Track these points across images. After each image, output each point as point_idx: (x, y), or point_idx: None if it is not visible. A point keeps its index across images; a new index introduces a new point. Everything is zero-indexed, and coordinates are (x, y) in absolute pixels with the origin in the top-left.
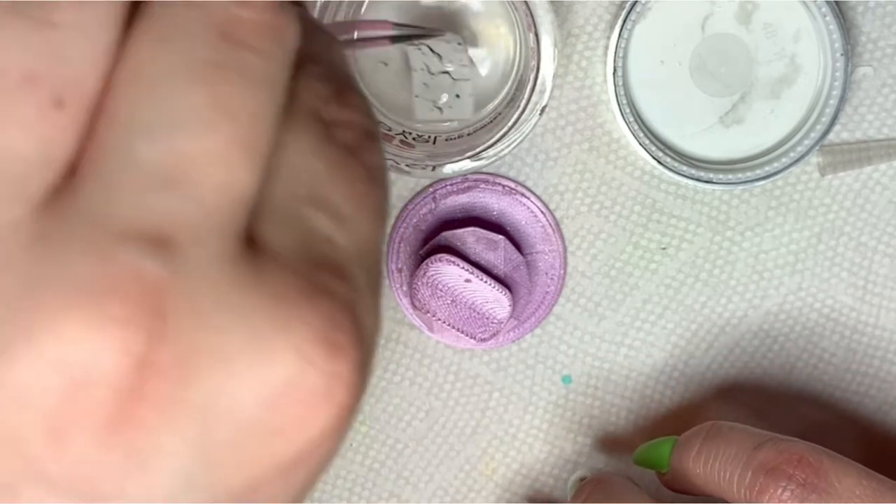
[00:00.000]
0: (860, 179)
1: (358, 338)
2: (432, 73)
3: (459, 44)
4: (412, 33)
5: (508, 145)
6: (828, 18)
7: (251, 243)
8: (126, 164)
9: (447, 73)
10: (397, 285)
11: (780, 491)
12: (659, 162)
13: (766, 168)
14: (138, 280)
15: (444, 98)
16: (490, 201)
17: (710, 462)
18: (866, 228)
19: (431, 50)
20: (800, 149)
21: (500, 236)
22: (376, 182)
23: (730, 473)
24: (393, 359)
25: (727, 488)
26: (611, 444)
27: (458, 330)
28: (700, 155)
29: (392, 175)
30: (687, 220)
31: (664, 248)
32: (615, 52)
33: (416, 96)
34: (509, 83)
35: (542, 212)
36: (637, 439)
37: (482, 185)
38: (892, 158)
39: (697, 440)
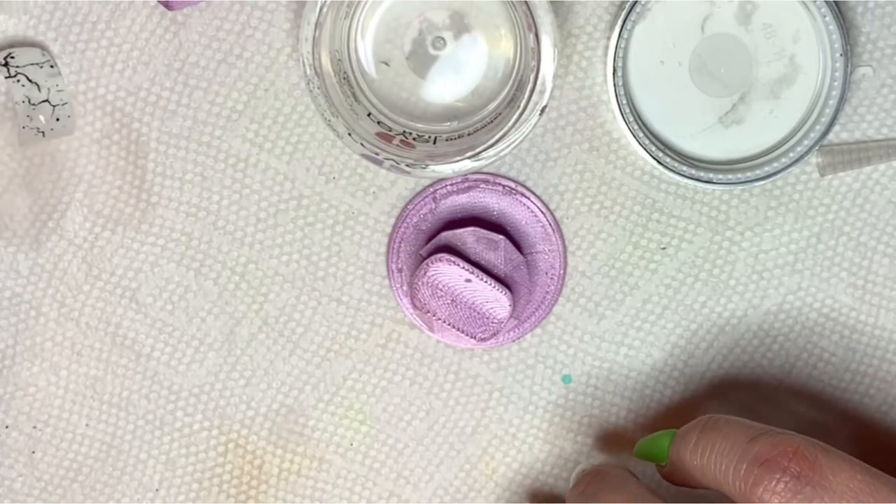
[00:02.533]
0: (860, 179)
1: None
2: (34, 105)
3: (52, 66)
4: None
5: (508, 145)
6: (827, 19)
7: None
8: None
9: (46, 101)
10: (397, 285)
11: (774, 483)
12: (659, 162)
13: (766, 168)
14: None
15: (46, 122)
16: (490, 201)
17: (707, 454)
18: (866, 228)
19: (29, 80)
20: (799, 149)
21: (500, 236)
22: None
23: (725, 465)
24: (393, 359)
25: (723, 480)
26: (611, 440)
27: (458, 330)
28: (700, 155)
29: (392, 175)
30: (687, 220)
31: (664, 248)
32: (615, 52)
33: (24, 127)
34: (509, 83)
35: (542, 212)
36: (637, 438)
37: (482, 185)
38: (892, 158)
39: (694, 433)
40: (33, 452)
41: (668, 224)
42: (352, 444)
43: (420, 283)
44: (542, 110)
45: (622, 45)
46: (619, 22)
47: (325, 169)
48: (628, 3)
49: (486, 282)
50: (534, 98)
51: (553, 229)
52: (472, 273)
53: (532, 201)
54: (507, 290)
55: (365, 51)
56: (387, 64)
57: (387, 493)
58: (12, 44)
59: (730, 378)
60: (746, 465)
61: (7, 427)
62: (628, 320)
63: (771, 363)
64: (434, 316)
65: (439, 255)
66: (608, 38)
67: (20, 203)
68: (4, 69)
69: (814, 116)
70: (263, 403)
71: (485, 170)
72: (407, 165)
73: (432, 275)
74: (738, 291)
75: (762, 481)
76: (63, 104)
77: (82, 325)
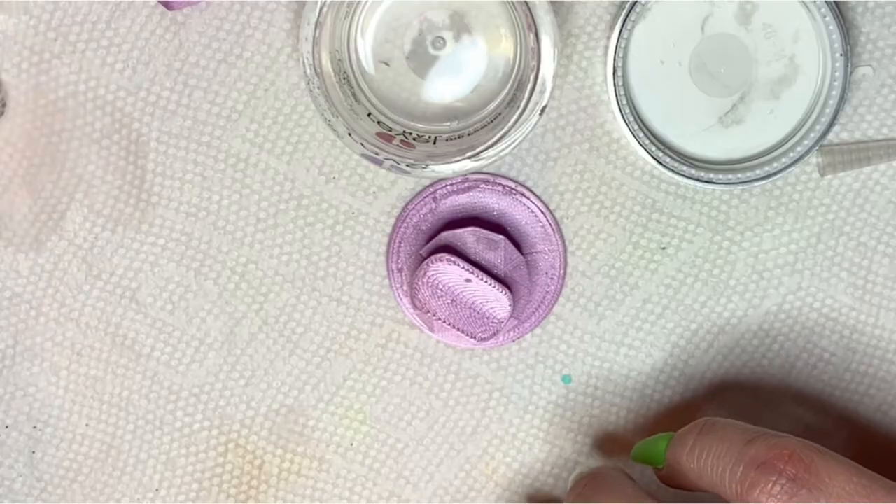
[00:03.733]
0: (860, 179)
1: None
2: None
3: None
4: None
5: (508, 145)
6: (827, 19)
7: None
8: None
9: None
10: (397, 285)
11: (770, 485)
12: (659, 162)
13: (766, 168)
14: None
15: None
16: (490, 201)
17: (704, 457)
18: (866, 228)
19: None
20: (799, 149)
21: (501, 236)
22: None
23: (722, 468)
24: (393, 359)
25: (720, 483)
26: (610, 443)
27: (458, 329)
28: (700, 155)
29: (392, 175)
30: (687, 220)
31: (664, 248)
32: (615, 52)
33: None
34: (509, 83)
35: (542, 212)
36: (636, 438)
37: (482, 185)
38: (892, 158)
39: (691, 436)
40: (33, 452)
41: (668, 224)
42: (352, 444)
43: (420, 283)
44: (542, 110)
45: (622, 45)
46: (619, 22)
47: (325, 169)
48: (628, 3)
49: (486, 282)
50: (534, 98)
51: (553, 229)
52: (472, 273)
53: (532, 201)
54: (507, 290)
55: (365, 51)
56: (387, 64)
57: (387, 493)
58: None
59: (730, 378)
60: (743, 467)
61: (7, 427)
62: (628, 320)
63: (771, 363)
64: (434, 316)
65: (439, 255)
66: (608, 38)
67: (20, 203)
68: None
69: (814, 116)
70: (263, 403)
71: (485, 170)
72: (407, 165)
73: (432, 275)
74: (738, 291)
75: (758, 484)
76: None
77: (82, 325)
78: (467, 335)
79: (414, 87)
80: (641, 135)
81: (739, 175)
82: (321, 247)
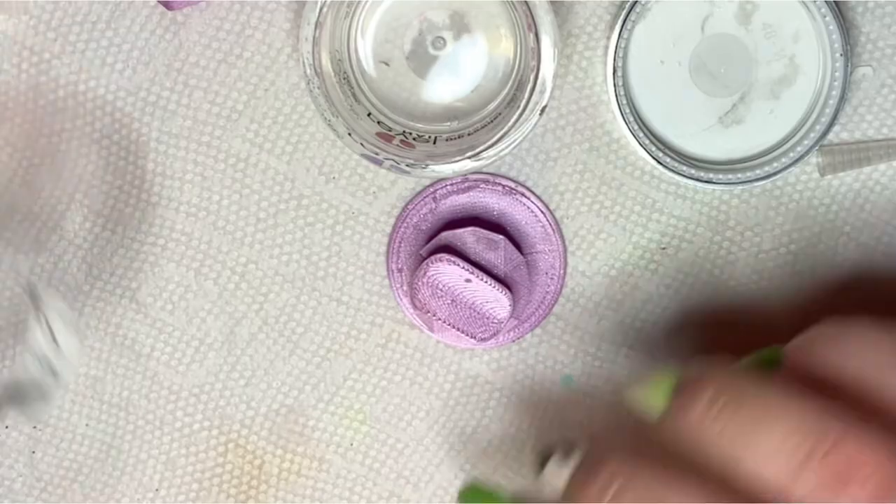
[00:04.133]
0: (860, 179)
1: None
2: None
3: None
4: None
5: (508, 145)
6: (827, 19)
7: None
8: None
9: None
10: (397, 285)
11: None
12: (659, 162)
13: (766, 168)
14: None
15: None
16: (490, 201)
17: (742, 424)
18: (866, 228)
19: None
20: (799, 149)
21: (500, 236)
22: None
23: (776, 447)
24: (393, 359)
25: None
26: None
27: (458, 329)
28: (700, 155)
29: (392, 175)
30: (687, 220)
31: (664, 248)
32: (615, 52)
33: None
34: (509, 83)
35: (542, 212)
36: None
37: (482, 185)
38: (892, 158)
39: (712, 386)
40: (33, 452)
41: (668, 224)
42: (352, 444)
43: (420, 283)
44: (542, 110)
45: (622, 45)
46: (619, 22)
47: (325, 169)
48: (628, 3)
49: (486, 282)
50: (534, 98)
51: (553, 229)
52: (472, 273)
53: (532, 201)
54: (507, 290)
55: (365, 51)
56: (387, 64)
57: (387, 493)
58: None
59: None
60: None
61: (7, 427)
62: (628, 320)
63: None
64: (434, 316)
65: (439, 255)
66: (608, 38)
67: (20, 203)
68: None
69: (814, 116)
70: (263, 403)
71: (485, 170)
72: (407, 165)
73: (432, 275)
74: (738, 291)
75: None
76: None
77: (82, 325)
78: (467, 335)
79: (414, 87)
80: (641, 135)
81: (739, 175)
82: (321, 247)
